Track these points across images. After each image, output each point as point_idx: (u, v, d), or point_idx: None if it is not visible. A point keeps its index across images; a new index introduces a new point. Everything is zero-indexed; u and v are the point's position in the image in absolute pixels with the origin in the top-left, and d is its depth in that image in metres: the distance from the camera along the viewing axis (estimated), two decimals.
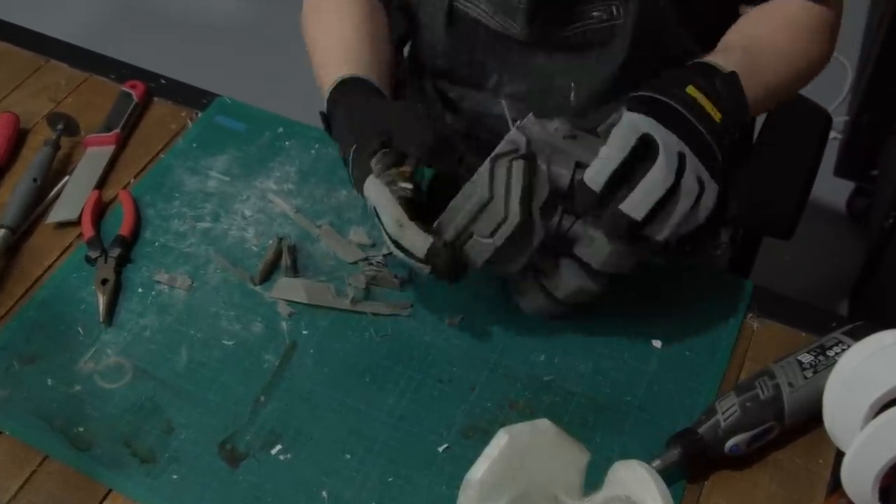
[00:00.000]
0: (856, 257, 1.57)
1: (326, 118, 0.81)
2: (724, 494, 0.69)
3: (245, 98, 1.00)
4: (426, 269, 0.69)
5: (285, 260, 0.84)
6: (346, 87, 0.79)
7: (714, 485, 0.69)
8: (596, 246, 0.69)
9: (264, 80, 1.94)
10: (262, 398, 0.75)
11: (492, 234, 0.69)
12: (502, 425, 0.60)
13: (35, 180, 0.91)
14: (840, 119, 1.77)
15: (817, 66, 0.83)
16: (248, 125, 0.97)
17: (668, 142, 0.66)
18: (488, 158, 0.68)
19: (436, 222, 0.70)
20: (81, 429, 0.74)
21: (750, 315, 0.79)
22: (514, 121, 0.71)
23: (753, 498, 0.68)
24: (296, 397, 0.75)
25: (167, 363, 0.78)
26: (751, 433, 0.68)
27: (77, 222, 0.89)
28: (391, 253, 0.83)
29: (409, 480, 0.70)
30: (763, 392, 0.68)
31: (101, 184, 0.93)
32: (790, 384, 0.69)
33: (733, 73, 0.72)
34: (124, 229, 0.87)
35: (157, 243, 0.87)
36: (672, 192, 0.65)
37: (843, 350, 0.69)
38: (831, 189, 1.71)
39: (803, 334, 0.77)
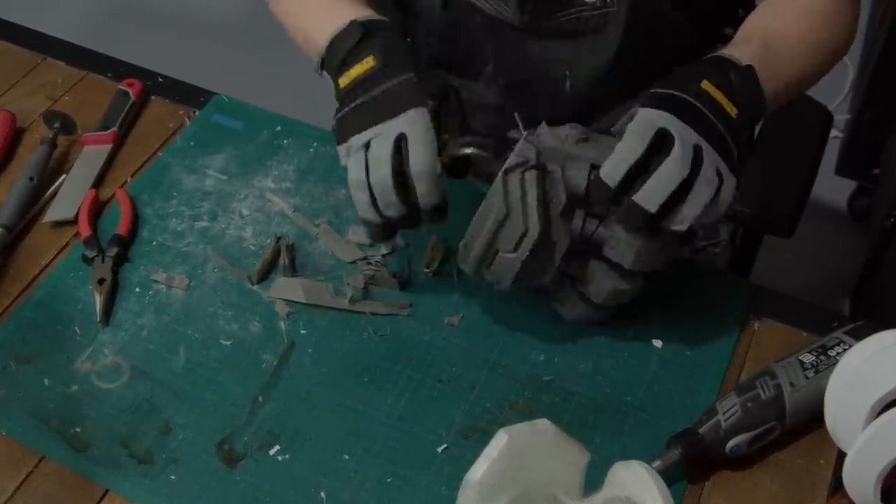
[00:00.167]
0: (857, 256, 1.57)
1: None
2: (725, 495, 0.69)
3: (243, 96, 1.00)
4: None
5: (283, 259, 0.83)
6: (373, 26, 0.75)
7: (715, 485, 0.69)
8: (623, 246, 0.68)
9: (262, 78, 1.93)
10: (260, 398, 0.75)
11: (515, 249, 0.68)
12: (502, 425, 0.60)
13: (31, 179, 0.90)
14: (841, 117, 1.76)
15: (839, 54, 0.81)
16: (246, 123, 0.97)
17: (684, 135, 0.65)
18: (500, 173, 0.67)
19: (461, 243, 0.70)
20: (78, 429, 0.74)
21: (751, 314, 0.79)
22: (526, 132, 0.70)
23: (754, 498, 0.68)
24: (294, 397, 0.75)
25: (165, 363, 0.78)
26: (752, 433, 0.68)
27: (74, 221, 0.88)
28: (391, 252, 0.84)
29: (408, 481, 0.70)
30: (764, 392, 0.68)
31: (98, 182, 0.92)
32: (791, 384, 0.68)
33: (749, 66, 0.71)
34: (121, 228, 0.86)
35: (154, 242, 0.87)
36: (689, 185, 0.64)
37: (845, 350, 0.69)
38: (832, 188, 1.70)
39: (804, 334, 0.77)
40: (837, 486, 0.67)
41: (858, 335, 0.69)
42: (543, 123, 0.72)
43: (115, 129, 0.95)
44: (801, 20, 0.78)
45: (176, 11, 2.31)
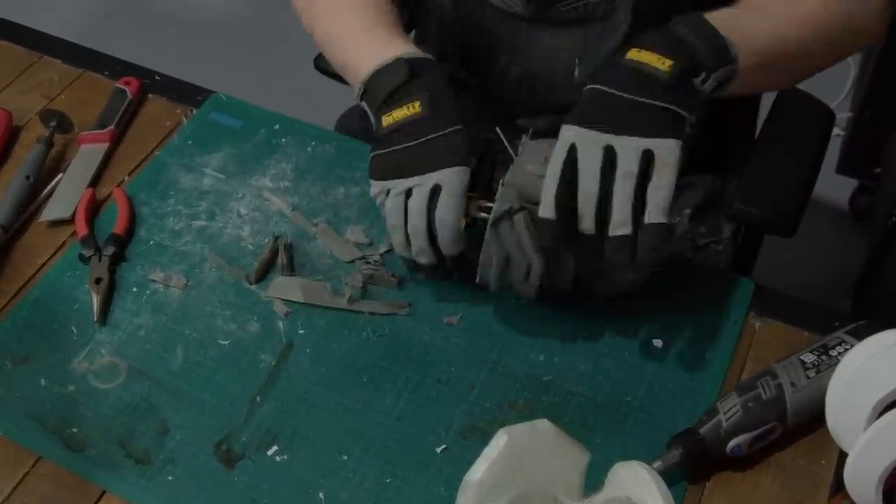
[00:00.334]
0: (859, 256, 1.57)
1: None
2: (726, 496, 0.68)
3: (241, 95, 0.99)
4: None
5: (281, 259, 0.83)
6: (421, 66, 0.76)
7: (715, 486, 0.69)
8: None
9: (260, 76, 1.93)
10: (259, 398, 0.75)
11: (527, 279, 0.71)
12: (501, 426, 0.59)
13: (28, 178, 0.90)
14: (843, 116, 1.76)
15: (859, 33, 0.80)
16: (244, 122, 0.96)
17: (590, 142, 0.66)
18: (489, 225, 0.70)
19: (477, 278, 0.73)
20: (75, 429, 0.73)
21: (752, 314, 0.78)
22: (510, 143, 0.72)
23: (755, 499, 0.68)
24: (292, 397, 0.75)
25: (162, 363, 0.77)
26: (753, 434, 0.67)
27: (70, 220, 0.88)
28: (389, 251, 0.83)
29: (407, 481, 0.70)
30: (765, 392, 0.68)
31: (95, 181, 0.92)
32: (792, 384, 0.68)
33: (695, 12, 0.72)
34: (118, 227, 0.86)
35: (151, 242, 0.86)
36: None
37: (846, 349, 0.69)
38: (834, 187, 1.70)
39: (806, 333, 0.76)
40: (839, 486, 0.66)
41: (860, 335, 0.69)
42: (525, 137, 0.73)
43: (111, 127, 0.95)
44: None
45: (173, 9, 2.31)
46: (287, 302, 0.81)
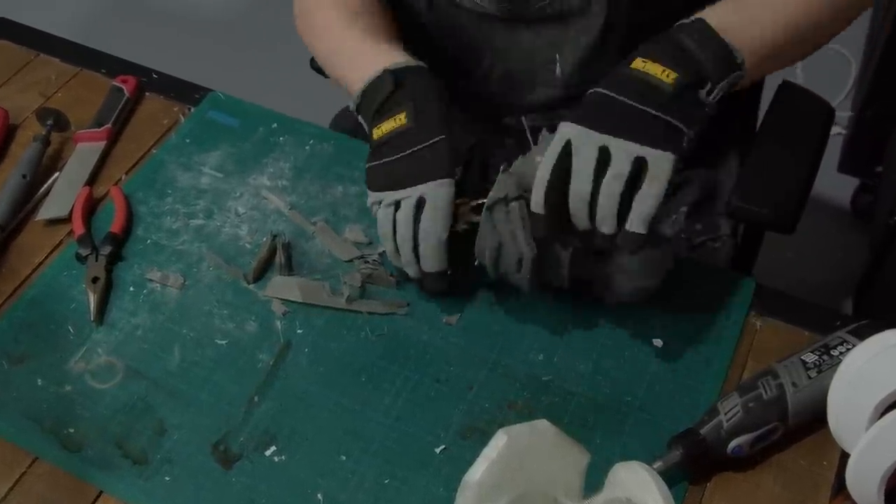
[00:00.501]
0: (860, 255, 1.56)
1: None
2: (727, 496, 0.68)
3: (239, 93, 0.99)
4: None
5: (279, 258, 0.82)
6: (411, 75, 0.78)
7: (716, 486, 0.68)
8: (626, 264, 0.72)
9: (258, 74, 1.93)
10: (256, 398, 0.74)
11: (519, 270, 0.72)
12: (501, 426, 0.59)
13: (24, 177, 0.90)
14: (844, 114, 1.76)
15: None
16: (242, 121, 0.96)
17: (586, 140, 0.67)
18: (484, 209, 0.71)
19: (475, 260, 0.74)
20: (72, 430, 0.73)
21: (752, 313, 0.78)
22: (533, 141, 0.73)
23: (756, 500, 0.67)
24: (290, 397, 0.74)
25: (159, 363, 0.77)
26: (754, 434, 0.67)
27: (67, 219, 0.88)
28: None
29: (406, 482, 0.69)
30: (766, 392, 0.67)
31: (92, 180, 0.92)
32: (794, 384, 0.68)
33: (698, 19, 0.72)
34: (115, 226, 0.86)
35: (149, 241, 0.86)
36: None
37: (848, 349, 0.68)
38: (835, 185, 1.70)
39: (807, 333, 0.76)
40: (840, 487, 0.66)
41: (862, 334, 0.68)
42: (544, 131, 0.73)
43: (109, 126, 0.95)
44: None
45: (171, 7, 2.30)
46: (285, 301, 0.80)
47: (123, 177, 0.92)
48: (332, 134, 0.96)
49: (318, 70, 1.11)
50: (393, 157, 0.75)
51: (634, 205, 0.66)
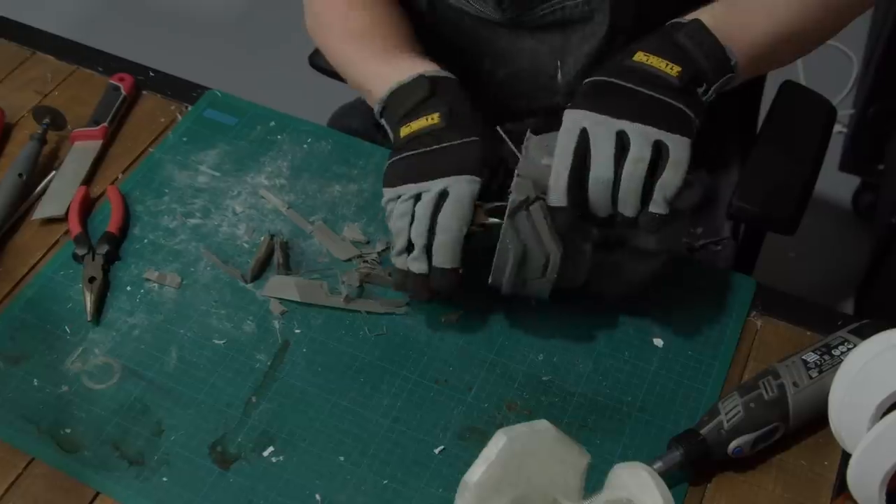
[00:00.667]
0: (862, 254, 1.56)
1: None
2: (727, 497, 0.68)
3: (236, 91, 0.99)
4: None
5: (277, 257, 0.82)
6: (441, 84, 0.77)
7: (717, 487, 0.68)
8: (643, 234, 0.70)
9: (256, 72, 1.92)
10: (254, 399, 0.74)
11: (543, 274, 0.70)
12: (500, 426, 0.59)
13: (20, 176, 0.89)
14: (845, 112, 1.75)
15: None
16: (239, 119, 0.96)
17: (605, 126, 0.67)
18: (506, 216, 0.69)
19: (490, 279, 0.71)
20: (69, 430, 0.73)
21: (753, 313, 0.78)
22: (518, 149, 0.72)
23: (757, 500, 0.67)
24: (288, 398, 0.74)
25: (156, 363, 0.77)
26: (755, 434, 0.67)
27: (64, 219, 0.87)
28: (387, 249, 0.82)
29: (405, 483, 0.69)
30: (767, 392, 0.67)
31: (89, 179, 0.91)
32: (795, 384, 0.67)
33: (695, 20, 0.72)
34: (112, 226, 0.85)
35: (146, 240, 0.86)
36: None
37: (849, 349, 0.68)
38: (837, 184, 1.69)
39: (808, 333, 0.76)
40: (841, 487, 0.66)
41: (863, 334, 0.68)
42: (529, 133, 0.73)
43: (105, 124, 0.94)
44: None
45: (168, 5, 2.29)
46: (283, 301, 0.80)
47: (120, 176, 0.92)
48: (331, 132, 0.96)
49: (318, 67, 1.10)
50: (420, 151, 0.74)
51: (657, 188, 0.66)
